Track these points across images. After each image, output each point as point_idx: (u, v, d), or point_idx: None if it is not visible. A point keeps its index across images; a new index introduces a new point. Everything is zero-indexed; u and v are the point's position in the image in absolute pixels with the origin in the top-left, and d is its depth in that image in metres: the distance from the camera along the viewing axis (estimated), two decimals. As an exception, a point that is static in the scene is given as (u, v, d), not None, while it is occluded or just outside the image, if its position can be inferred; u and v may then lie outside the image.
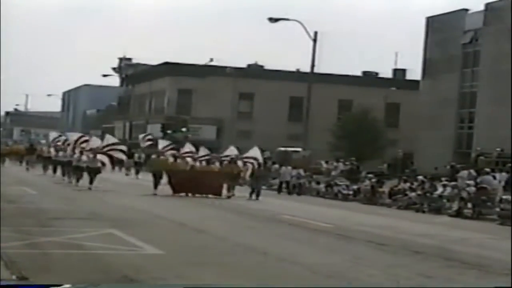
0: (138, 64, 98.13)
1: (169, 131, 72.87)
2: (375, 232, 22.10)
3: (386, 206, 36.57)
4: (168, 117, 79.62)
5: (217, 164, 39.00)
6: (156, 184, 35.07)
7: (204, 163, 39.24)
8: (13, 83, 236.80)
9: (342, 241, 19.68)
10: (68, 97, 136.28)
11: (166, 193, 34.16)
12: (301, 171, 44.93)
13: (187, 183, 34.54)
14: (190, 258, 14.82)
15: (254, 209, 29.53)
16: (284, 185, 43.87)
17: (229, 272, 13.52)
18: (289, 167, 44.87)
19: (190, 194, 34.37)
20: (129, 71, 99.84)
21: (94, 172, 36.61)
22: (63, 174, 42.92)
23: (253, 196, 35.61)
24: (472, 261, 16.46)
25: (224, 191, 35.43)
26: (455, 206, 33.16)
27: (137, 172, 51.75)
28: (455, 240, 21.43)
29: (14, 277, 11.82)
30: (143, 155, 52.83)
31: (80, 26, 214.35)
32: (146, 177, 43.16)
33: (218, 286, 10.35)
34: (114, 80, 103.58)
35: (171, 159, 38.86)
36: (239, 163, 37.87)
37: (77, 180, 38.22)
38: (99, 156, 37.28)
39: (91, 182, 35.99)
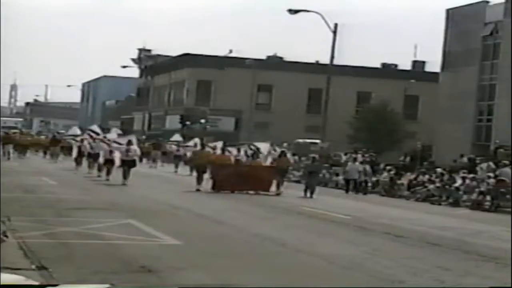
0: (157, 55, 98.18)
1: (188, 122, 72.99)
2: (393, 224, 22.10)
3: (404, 198, 36.54)
4: (187, 109, 79.70)
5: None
6: (198, 178, 32.13)
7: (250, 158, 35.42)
8: (33, 74, 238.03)
9: (360, 233, 19.69)
10: (88, 88, 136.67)
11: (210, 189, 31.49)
12: (368, 167, 40.64)
13: (231, 179, 31.24)
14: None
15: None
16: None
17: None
18: (357, 163, 40.53)
19: (237, 191, 30.85)
20: (149, 62, 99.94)
21: (128, 165, 33.00)
22: (89, 167, 39.85)
23: (308, 194, 32.49)
24: (490, 254, 16.44)
25: (272, 188, 32.30)
26: (473, 198, 33.13)
27: (176, 166, 48.61)
28: (473, 232, 21.39)
29: (33, 266, 11.89)
30: (181, 148, 51.31)
31: (100, 17, 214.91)
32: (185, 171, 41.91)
33: (217, 286, 10.29)
34: (134, 72, 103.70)
35: (217, 152, 35.28)
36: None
37: (108, 174, 34.70)
38: (133, 148, 34.17)
39: (125, 176, 32.52)
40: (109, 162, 34.96)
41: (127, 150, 33.66)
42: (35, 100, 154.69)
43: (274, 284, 11.70)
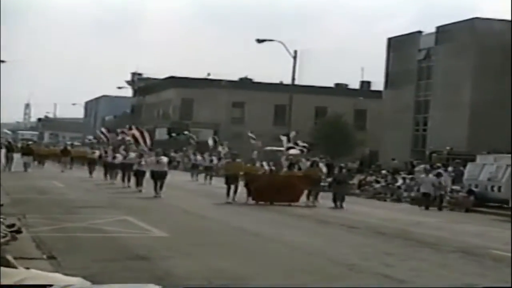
0: (147, 78, 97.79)
1: (174, 134, 72.69)
2: (346, 217, 22.10)
3: (355, 195, 36.54)
4: (173, 122, 79.30)
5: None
6: (229, 191, 26.49)
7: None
8: (44, 94, 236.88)
9: (320, 225, 19.67)
10: (90, 105, 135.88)
11: (241, 201, 25.93)
12: (442, 180, 30.18)
13: (266, 189, 25.92)
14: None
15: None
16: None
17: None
18: (430, 175, 30.64)
19: (275, 203, 25.39)
20: (140, 83, 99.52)
21: (161, 177, 27.16)
22: (110, 177, 34.73)
23: (338, 204, 27.39)
24: (426, 241, 16.50)
25: (304, 199, 27.06)
26: (412, 195, 33.23)
27: (210, 178, 40.35)
28: (412, 223, 21.45)
29: (44, 256, 11.76)
30: (215, 158, 43.54)
31: (98, 47, 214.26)
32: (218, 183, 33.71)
33: (218, 286, 10.12)
34: (128, 92, 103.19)
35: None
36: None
37: (137, 185, 29.21)
38: (164, 159, 28.63)
39: (161, 187, 26.88)
40: (139, 173, 29.40)
41: (158, 161, 28.14)
42: (46, 117, 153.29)
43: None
